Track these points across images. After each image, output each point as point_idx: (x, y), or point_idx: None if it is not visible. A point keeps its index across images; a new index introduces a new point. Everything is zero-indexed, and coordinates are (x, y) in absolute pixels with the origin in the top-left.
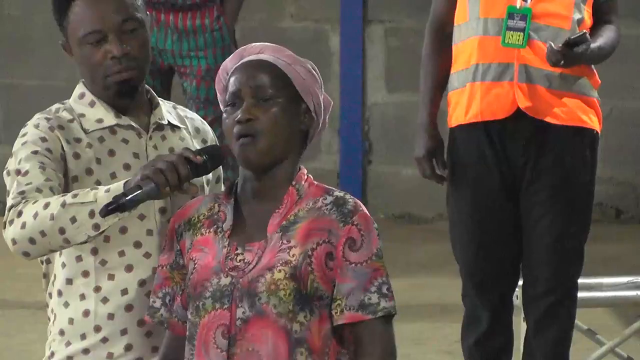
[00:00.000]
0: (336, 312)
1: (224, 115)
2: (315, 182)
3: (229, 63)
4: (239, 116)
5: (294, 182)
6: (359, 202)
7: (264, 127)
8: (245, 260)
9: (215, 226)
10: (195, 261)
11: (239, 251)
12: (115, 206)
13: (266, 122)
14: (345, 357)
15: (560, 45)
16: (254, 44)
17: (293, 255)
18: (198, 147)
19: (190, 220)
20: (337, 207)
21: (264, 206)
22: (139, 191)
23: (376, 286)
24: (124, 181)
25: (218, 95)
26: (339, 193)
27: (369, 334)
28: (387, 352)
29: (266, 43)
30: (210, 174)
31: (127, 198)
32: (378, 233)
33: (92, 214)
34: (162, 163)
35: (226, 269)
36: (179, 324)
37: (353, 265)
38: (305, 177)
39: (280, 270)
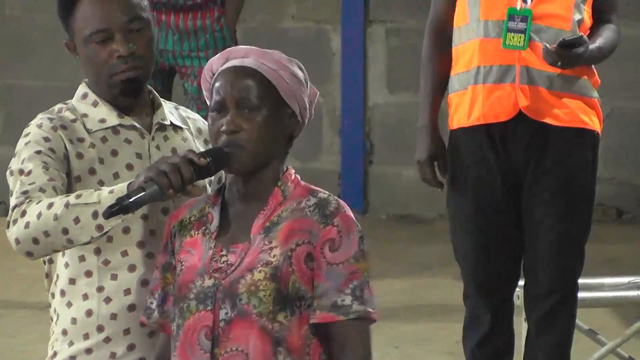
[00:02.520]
0: (311, 312)
1: (209, 120)
2: (302, 183)
3: (214, 64)
4: (224, 127)
5: (279, 183)
6: (343, 204)
7: (248, 138)
8: (229, 262)
9: (203, 227)
10: (182, 263)
11: (223, 253)
12: (119, 208)
13: (250, 133)
14: (329, 356)
15: (554, 46)
16: (240, 46)
17: (274, 256)
18: (200, 148)
19: (182, 221)
20: (319, 209)
21: (250, 207)
22: (142, 193)
23: (351, 288)
24: (127, 182)
25: (204, 92)
26: (323, 194)
27: (343, 335)
28: (362, 354)
29: (252, 47)
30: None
31: (130, 200)
32: (361, 236)
33: (95, 215)
34: (165, 165)
35: (210, 271)
36: (170, 325)
37: (330, 265)
38: (292, 177)
39: (260, 271)
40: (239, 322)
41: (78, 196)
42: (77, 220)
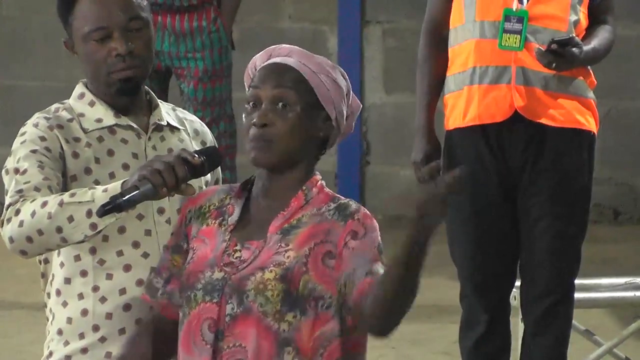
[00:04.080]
0: (348, 296)
1: (244, 112)
2: (326, 190)
3: (258, 60)
4: (255, 119)
5: (304, 187)
6: (362, 207)
7: (278, 134)
8: (241, 258)
9: (221, 218)
10: (195, 251)
11: (237, 247)
12: (112, 206)
13: (281, 129)
14: None
15: (545, 46)
16: (284, 45)
17: (287, 258)
18: (197, 149)
19: (201, 208)
20: (339, 211)
21: (271, 206)
22: (136, 192)
23: (380, 267)
24: (121, 181)
25: (246, 88)
26: (344, 200)
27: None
28: None
29: (296, 47)
30: (209, 175)
31: (124, 198)
32: (379, 235)
33: (89, 214)
34: (159, 164)
35: (221, 264)
36: (170, 306)
37: (356, 250)
38: (317, 183)
39: (271, 271)
40: (244, 318)
41: (72, 195)
42: (70, 218)
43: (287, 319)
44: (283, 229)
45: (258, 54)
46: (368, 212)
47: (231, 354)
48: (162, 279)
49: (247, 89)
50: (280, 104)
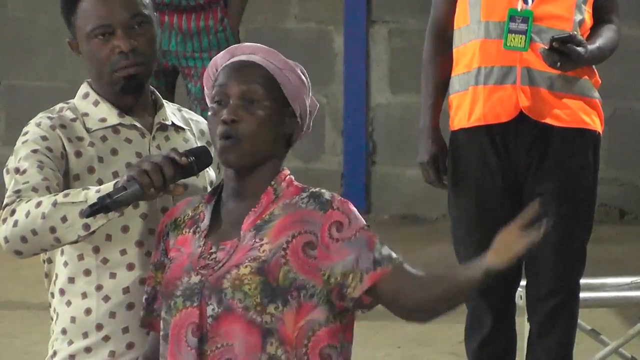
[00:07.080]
0: (353, 287)
1: (210, 112)
2: (295, 183)
3: (219, 59)
4: (224, 116)
5: (272, 182)
6: (336, 194)
7: (247, 130)
8: (217, 259)
9: (195, 226)
10: (172, 260)
11: (212, 250)
12: (99, 207)
13: (250, 125)
14: (334, 350)
15: (547, 43)
16: (246, 43)
17: (263, 252)
18: (187, 149)
19: (176, 220)
20: (314, 199)
21: (242, 205)
22: (124, 192)
23: (378, 244)
24: (114, 182)
25: (205, 90)
26: (314, 189)
27: (404, 277)
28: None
29: (259, 45)
30: (214, 175)
31: (111, 199)
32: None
33: (82, 214)
34: (147, 164)
35: (197, 268)
36: (159, 322)
37: (346, 240)
38: (286, 177)
39: (246, 267)
40: (226, 317)
41: (66, 195)
42: (64, 219)
43: (269, 311)
44: (256, 225)
45: (218, 54)
46: (341, 198)
47: (219, 355)
48: (147, 295)
49: (207, 91)
50: (249, 100)
